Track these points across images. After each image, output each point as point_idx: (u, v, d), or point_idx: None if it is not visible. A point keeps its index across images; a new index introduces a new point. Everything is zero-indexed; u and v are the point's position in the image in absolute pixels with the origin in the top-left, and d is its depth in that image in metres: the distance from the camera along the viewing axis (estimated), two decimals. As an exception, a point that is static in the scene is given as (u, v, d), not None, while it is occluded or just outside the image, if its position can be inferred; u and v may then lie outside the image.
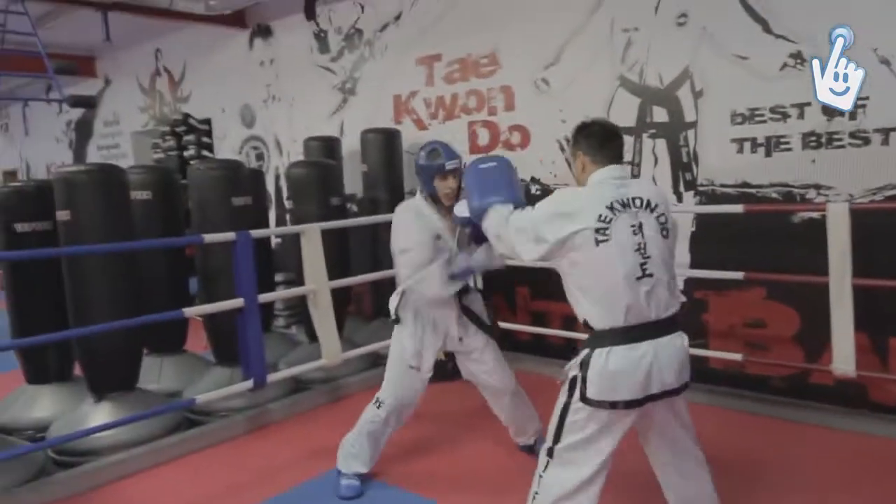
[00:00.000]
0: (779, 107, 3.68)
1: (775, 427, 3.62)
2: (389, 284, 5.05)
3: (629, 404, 2.06)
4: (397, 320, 3.03)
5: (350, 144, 5.88)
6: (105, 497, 3.19)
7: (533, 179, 4.80)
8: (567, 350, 4.63)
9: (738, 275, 3.58)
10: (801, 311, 3.69)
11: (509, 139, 4.91)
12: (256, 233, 3.54)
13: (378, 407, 3.06)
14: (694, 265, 4.04)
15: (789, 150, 3.67)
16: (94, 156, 9.35)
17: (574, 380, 2.11)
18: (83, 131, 9.60)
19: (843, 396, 3.57)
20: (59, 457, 3.48)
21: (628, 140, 4.29)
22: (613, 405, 2.06)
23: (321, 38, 6.14)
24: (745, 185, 3.84)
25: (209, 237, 3.42)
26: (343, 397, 4.40)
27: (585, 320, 2.14)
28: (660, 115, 4.15)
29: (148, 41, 7.88)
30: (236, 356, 4.07)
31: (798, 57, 3.59)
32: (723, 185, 3.94)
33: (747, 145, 3.82)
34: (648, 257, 2.06)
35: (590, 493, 2.15)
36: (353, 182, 5.57)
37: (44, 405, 3.99)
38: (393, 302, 3.05)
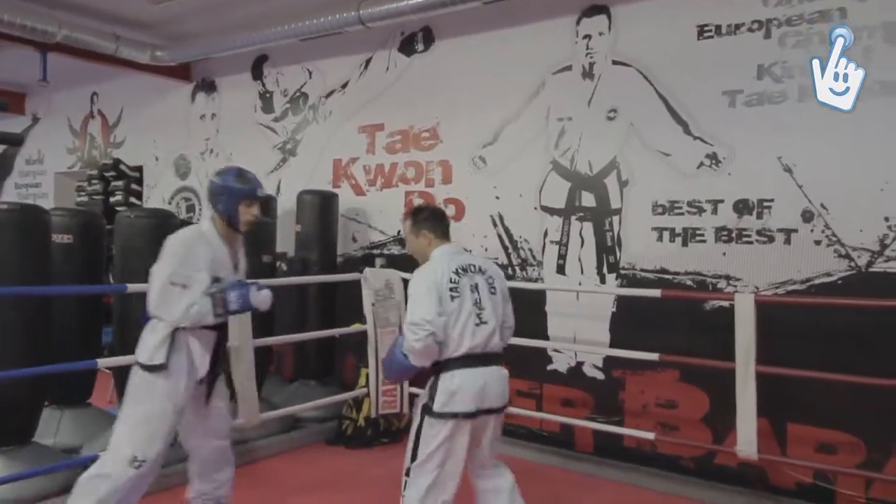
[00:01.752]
0: (695, 201, 3.97)
1: (683, 507, 3.73)
2: (317, 345, 5.04)
3: (466, 416, 2.60)
4: (164, 366, 2.70)
5: (285, 204, 5.88)
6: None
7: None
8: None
9: (654, 356, 3.75)
10: (711, 393, 3.87)
11: (444, 211, 5.03)
12: (183, 284, 3.45)
13: (138, 466, 2.70)
14: (613, 344, 4.21)
15: (703, 241, 3.94)
16: (11, 193, 8.91)
17: (426, 403, 2.66)
18: (1, 168, 9.18)
19: (744, 478, 3.73)
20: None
21: (557, 221, 4.50)
22: (454, 416, 2.59)
23: (266, 98, 6.22)
24: (664, 271, 4.07)
25: (133, 287, 3.32)
26: (256, 461, 4.24)
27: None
28: (588, 199, 4.39)
29: (85, 84, 7.74)
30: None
31: (713, 158, 3.91)
32: (643, 270, 4.16)
33: (666, 234, 4.08)
34: (483, 309, 2.69)
35: (444, 495, 2.64)
36: (285, 241, 5.54)
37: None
38: (152, 342, 2.73)
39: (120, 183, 7.19)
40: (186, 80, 6.80)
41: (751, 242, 3.79)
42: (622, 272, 4.24)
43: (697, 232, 3.96)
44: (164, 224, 4.09)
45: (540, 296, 4.57)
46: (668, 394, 4.04)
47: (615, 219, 4.28)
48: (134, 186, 7.25)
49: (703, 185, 3.95)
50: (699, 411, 3.93)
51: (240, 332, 3.72)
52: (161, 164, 7.13)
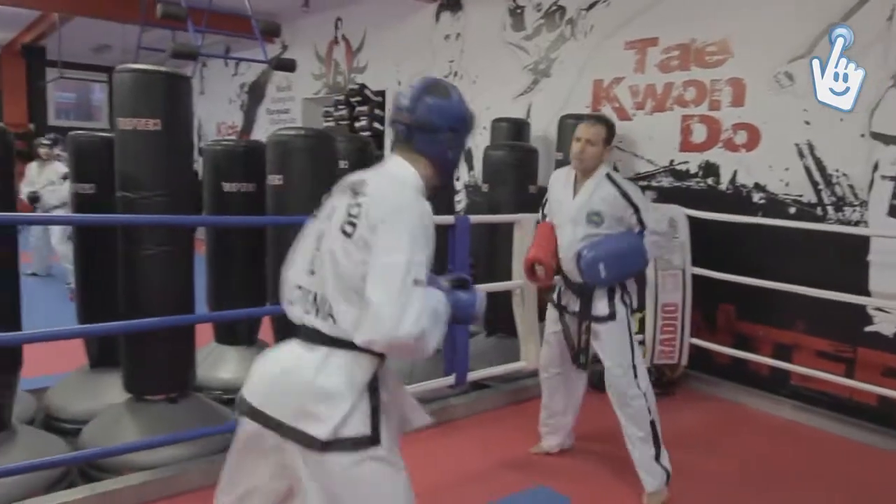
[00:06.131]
0: None
1: None
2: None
3: None
4: (375, 439, 1.53)
5: (537, 129, 5.53)
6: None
7: (757, 186, 4.23)
8: (773, 381, 4.10)
9: None
10: None
11: (732, 138, 4.35)
12: (475, 218, 3.28)
13: None
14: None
15: None
16: (263, 119, 9.61)
17: (630, 301, 3.01)
18: (255, 95, 9.88)
19: None
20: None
21: (895, 150, 3.64)
22: None
23: (517, 14, 5.80)
24: None
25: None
26: (524, 400, 4.10)
27: None
28: (947, 125, 3.47)
29: (330, 9, 7.89)
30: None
31: None
32: None
33: None
34: None
35: None
36: (541, 171, 5.21)
37: (231, 368, 3.97)
38: (340, 392, 1.52)
39: (364, 108, 7.32)
40: (431, 0, 6.58)
41: None
42: None
43: None
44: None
45: (860, 242, 3.79)
46: None
47: None
48: (377, 111, 7.34)
49: None
50: None
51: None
52: (404, 88, 7.07)
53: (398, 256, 1.46)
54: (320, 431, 1.48)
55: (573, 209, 2.93)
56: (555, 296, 3.13)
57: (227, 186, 3.91)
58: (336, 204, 1.63)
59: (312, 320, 1.59)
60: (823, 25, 3.88)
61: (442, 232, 3.29)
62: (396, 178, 1.64)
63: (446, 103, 1.69)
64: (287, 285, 1.70)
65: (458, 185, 6.43)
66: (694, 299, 4.15)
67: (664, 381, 4.28)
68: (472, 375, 3.48)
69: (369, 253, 1.49)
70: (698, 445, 3.56)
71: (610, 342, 2.94)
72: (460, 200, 6.38)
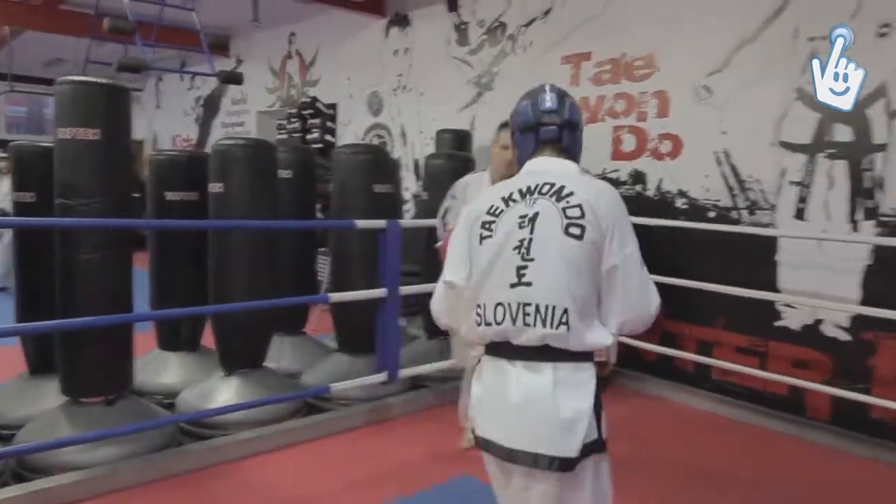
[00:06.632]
0: None
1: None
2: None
3: None
4: (601, 445, 1.60)
5: (481, 140, 5.74)
6: (234, 474, 3.16)
7: (680, 193, 4.49)
8: (698, 376, 4.33)
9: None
10: None
11: (658, 147, 4.61)
12: (406, 223, 3.44)
13: None
14: (866, 302, 3.64)
15: None
16: (218, 132, 9.66)
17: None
18: (210, 108, 9.94)
19: None
20: (188, 426, 3.50)
21: (800, 158, 3.92)
22: None
23: (461, 30, 6.02)
24: (943, 220, 3.41)
25: (362, 223, 3.34)
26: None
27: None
28: (842, 133, 3.75)
29: (284, 24, 8.03)
30: (359, 345, 4.02)
31: None
32: (912, 218, 3.52)
33: (950, 176, 3.39)
34: None
35: None
36: (482, 179, 5.41)
37: (173, 372, 4.05)
38: (584, 393, 1.56)
39: (317, 121, 7.46)
40: (381, 16, 6.78)
41: None
42: (883, 219, 3.62)
43: None
44: (380, 161, 4.12)
45: (770, 243, 4.05)
46: (939, 364, 3.44)
47: (878, 157, 3.63)
48: (329, 124, 7.48)
49: None
50: (982, 387, 3.31)
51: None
52: (355, 101, 7.25)
53: (631, 247, 1.61)
54: (571, 449, 1.52)
55: None
56: None
57: (171, 195, 4.01)
58: (528, 212, 1.62)
59: (536, 333, 1.54)
60: (738, 41, 4.17)
61: (373, 237, 3.45)
62: (587, 178, 1.77)
63: (577, 104, 1.85)
64: (472, 307, 1.65)
65: (407, 195, 6.61)
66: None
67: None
68: (405, 372, 3.61)
69: (599, 252, 1.57)
70: (623, 439, 3.73)
71: None
72: (409, 210, 6.55)
